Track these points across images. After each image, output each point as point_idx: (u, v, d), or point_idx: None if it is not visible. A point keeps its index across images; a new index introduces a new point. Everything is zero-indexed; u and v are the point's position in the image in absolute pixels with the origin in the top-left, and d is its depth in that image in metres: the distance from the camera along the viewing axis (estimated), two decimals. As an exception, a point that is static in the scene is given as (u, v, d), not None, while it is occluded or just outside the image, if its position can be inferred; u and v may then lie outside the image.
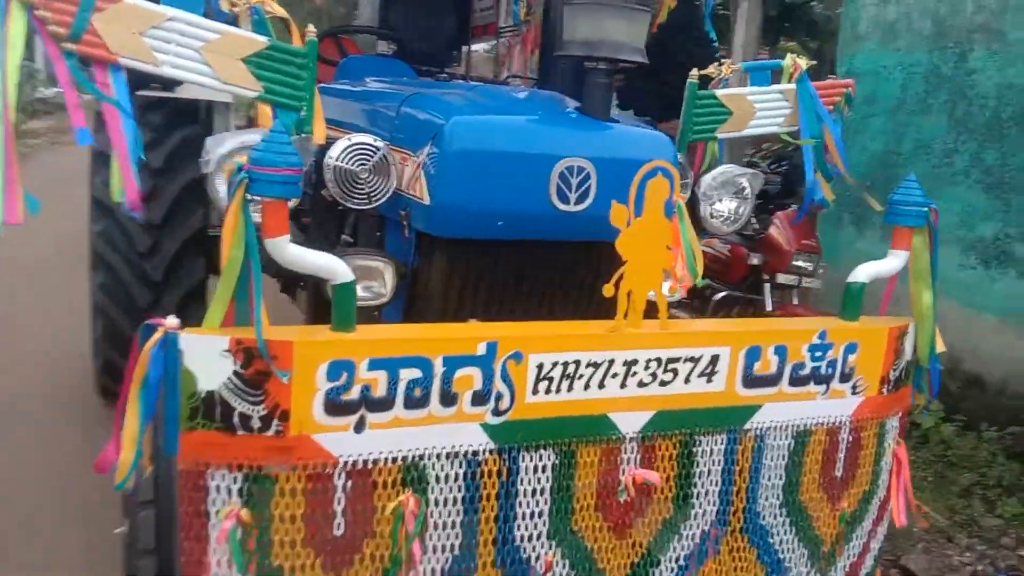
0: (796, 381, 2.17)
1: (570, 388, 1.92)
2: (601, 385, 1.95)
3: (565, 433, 1.94)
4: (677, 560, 2.13)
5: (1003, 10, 4.56)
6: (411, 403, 1.78)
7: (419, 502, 1.81)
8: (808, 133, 2.94)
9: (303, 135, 2.31)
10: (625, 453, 2.01)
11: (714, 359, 2.05)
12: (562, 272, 2.33)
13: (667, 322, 2.00)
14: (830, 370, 2.20)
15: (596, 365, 1.93)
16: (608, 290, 1.91)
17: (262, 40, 2.21)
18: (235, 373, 1.65)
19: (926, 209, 2.25)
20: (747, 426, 2.14)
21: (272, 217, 1.63)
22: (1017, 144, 4.53)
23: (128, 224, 3.83)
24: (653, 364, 1.99)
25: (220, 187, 2.17)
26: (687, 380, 2.03)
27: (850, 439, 2.29)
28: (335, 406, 1.71)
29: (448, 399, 1.81)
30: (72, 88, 2.07)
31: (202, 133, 4.25)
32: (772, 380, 2.14)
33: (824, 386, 2.21)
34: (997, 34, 4.61)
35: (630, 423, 2.00)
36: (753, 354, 2.10)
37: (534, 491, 1.93)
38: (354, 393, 1.72)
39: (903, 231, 2.28)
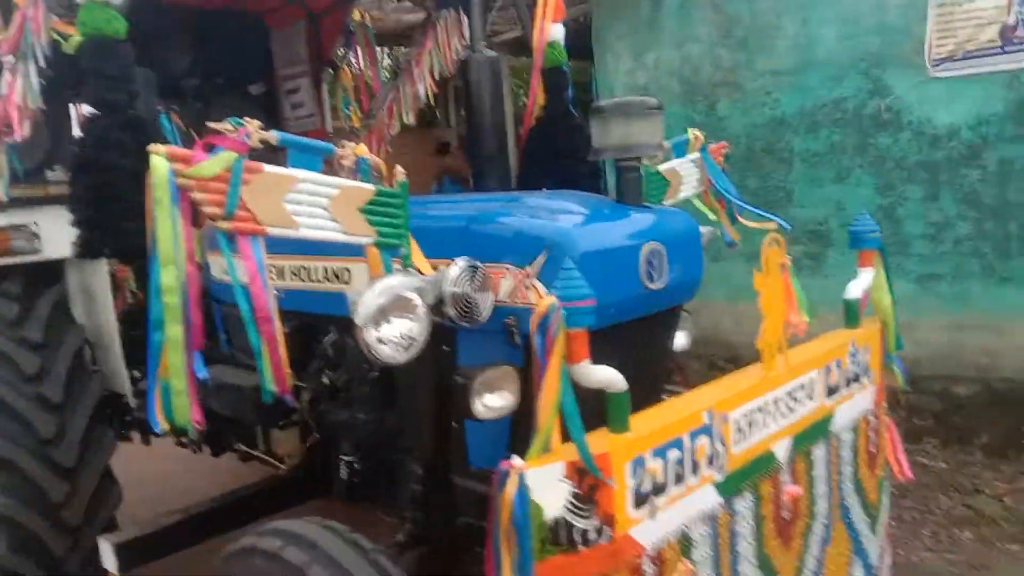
0: (848, 384, 2.72)
1: (751, 433, 2.26)
2: (766, 424, 2.32)
3: (754, 473, 2.28)
4: (814, 553, 2.56)
5: (736, 67, 5.69)
6: (677, 480, 2.01)
7: (689, 567, 2.04)
8: (722, 188, 3.56)
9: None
10: (782, 477, 2.40)
11: (812, 381, 2.52)
12: (651, 340, 2.66)
13: (786, 360, 2.42)
14: (860, 369, 2.79)
15: (763, 409, 2.30)
16: (759, 344, 2.29)
17: (370, 188, 2.26)
18: (573, 494, 1.77)
19: (879, 235, 2.94)
20: (831, 429, 2.64)
21: (579, 344, 1.78)
22: (770, 169, 5.66)
23: (20, 405, 3.34)
24: (787, 397, 2.40)
25: (373, 339, 2.17)
26: (803, 403, 2.48)
27: (874, 419, 2.90)
28: (638, 499, 1.90)
29: (695, 468, 2.06)
30: (277, 347, 2.05)
31: (66, 293, 3.82)
32: (837, 388, 2.67)
33: (859, 383, 2.78)
34: (736, 86, 5.73)
35: (782, 451, 2.39)
36: (828, 370, 2.61)
37: (744, 531, 2.25)
38: (647, 484, 1.92)
39: (867, 252, 2.94)
